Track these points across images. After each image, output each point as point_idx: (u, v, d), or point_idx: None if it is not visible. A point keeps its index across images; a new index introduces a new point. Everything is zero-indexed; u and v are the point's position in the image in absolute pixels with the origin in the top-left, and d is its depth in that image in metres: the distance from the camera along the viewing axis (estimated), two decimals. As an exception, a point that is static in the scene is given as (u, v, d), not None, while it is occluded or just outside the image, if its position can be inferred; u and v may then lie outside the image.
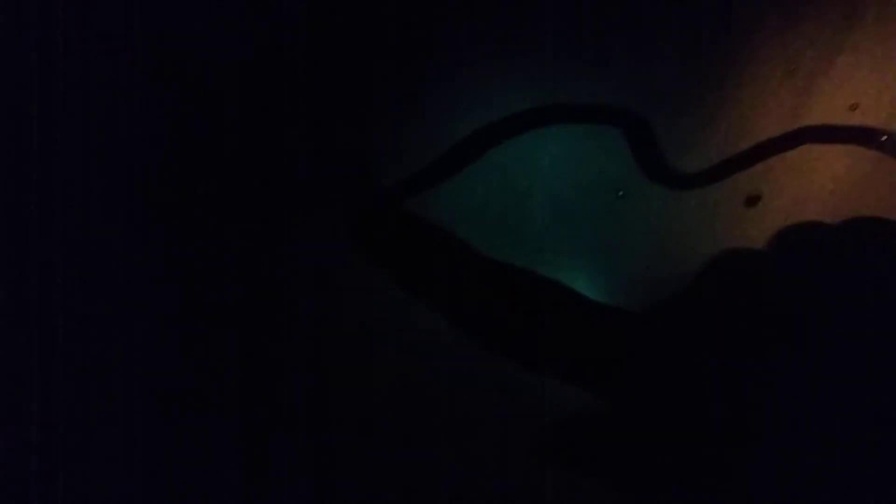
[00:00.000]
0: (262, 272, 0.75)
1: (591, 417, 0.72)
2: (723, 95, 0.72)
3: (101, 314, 0.76)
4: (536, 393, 0.72)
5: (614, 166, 0.73)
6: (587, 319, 0.71)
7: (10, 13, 0.74)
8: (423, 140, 0.71)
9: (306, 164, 0.73)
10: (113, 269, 0.76)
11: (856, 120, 0.73)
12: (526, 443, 0.74)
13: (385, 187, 0.72)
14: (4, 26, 0.74)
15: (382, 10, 0.69)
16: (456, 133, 0.71)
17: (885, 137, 0.73)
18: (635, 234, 0.75)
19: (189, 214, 0.74)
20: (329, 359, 0.76)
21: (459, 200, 0.73)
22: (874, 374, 0.67)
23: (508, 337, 0.72)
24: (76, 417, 0.76)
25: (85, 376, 0.76)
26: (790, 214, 0.75)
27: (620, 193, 0.74)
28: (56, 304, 0.75)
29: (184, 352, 0.76)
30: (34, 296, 0.75)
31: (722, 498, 0.70)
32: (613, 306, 0.71)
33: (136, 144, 0.74)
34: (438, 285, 0.72)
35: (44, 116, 0.74)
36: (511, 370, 0.71)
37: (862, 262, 0.69)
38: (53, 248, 0.75)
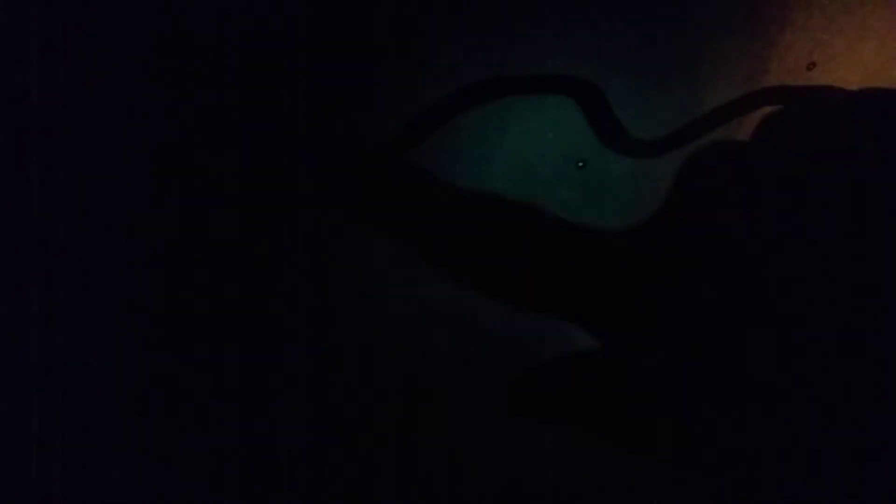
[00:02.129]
0: (264, 269, 0.76)
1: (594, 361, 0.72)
2: (678, 58, 0.72)
3: (101, 314, 0.76)
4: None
5: (571, 136, 0.72)
6: (594, 250, 0.71)
7: (11, 13, 0.74)
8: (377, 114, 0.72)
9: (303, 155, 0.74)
10: (113, 269, 0.76)
11: (814, 79, 0.72)
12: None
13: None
14: (4, 26, 0.74)
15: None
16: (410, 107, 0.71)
17: None
18: (599, 203, 0.74)
19: (189, 213, 0.75)
20: (330, 354, 0.77)
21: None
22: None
23: (515, 276, 0.72)
24: (76, 417, 0.76)
25: (85, 376, 0.76)
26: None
27: (580, 164, 0.73)
28: (56, 304, 0.75)
29: (184, 351, 0.76)
30: (34, 296, 0.75)
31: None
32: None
33: (136, 142, 0.75)
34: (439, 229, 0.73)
35: (44, 116, 0.74)
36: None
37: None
38: (53, 248, 0.75)
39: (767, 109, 0.73)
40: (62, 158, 0.76)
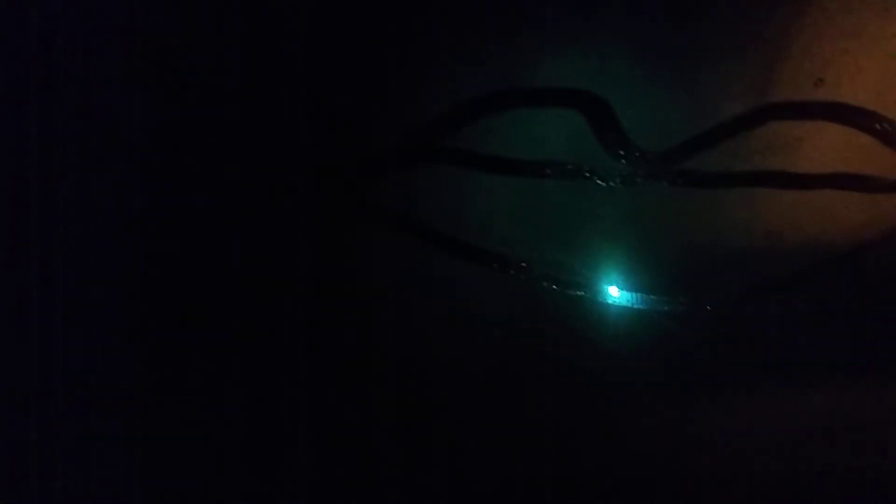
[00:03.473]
0: (263, 268, 0.77)
1: None
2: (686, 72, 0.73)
3: (101, 314, 0.77)
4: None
5: (580, 148, 0.74)
6: None
7: (10, 13, 0.75)
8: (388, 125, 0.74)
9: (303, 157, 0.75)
10: (112, 269, 0.77)
11: (821, 95, 0.73)
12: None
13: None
14: (4, 26, 0.75)
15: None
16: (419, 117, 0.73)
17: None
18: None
19: (189, 213, 0.76)
20: (330, 355, 0.77)
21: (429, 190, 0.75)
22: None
23: None
24: (76, 417, 0.77)
25: (84, 376, 0.77)
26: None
27: (587, 174, 0.74)
28: (56, 304, 0.76)
29: (184, 350, 0.77)
30: (34, 296, 0.76)
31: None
32: None
33: (136, 142, 0.76)
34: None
35: (44, 116, 0.75)
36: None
37: None
38: (53, 248, 0.76)
39: (775, 124, 0.74)
40: (62, 159, 0.76)
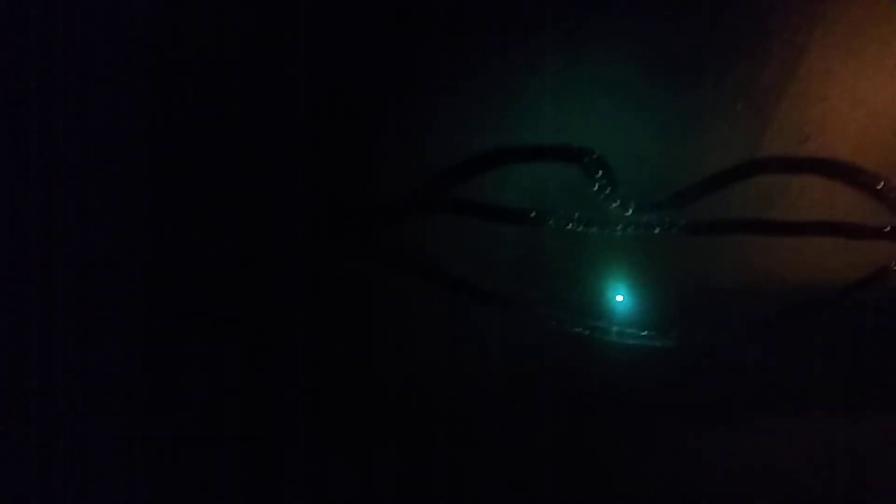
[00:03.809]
0: (263, 270, 0.80)
1: None
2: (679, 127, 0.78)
3: (101, 314, 0.79)
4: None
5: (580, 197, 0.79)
6: None
7: (10, 13, 0.76)
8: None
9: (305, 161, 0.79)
10: (112, 270, 0.78)
11: (807, 151, 0.78)
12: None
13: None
14: (4, 26, 0.76)
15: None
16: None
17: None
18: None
19: (189, 214, 0.79)
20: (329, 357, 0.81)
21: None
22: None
23: None
24: (76, 417, 0.78)
25: (85, 377, 0.78)
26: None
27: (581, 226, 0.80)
28: (56, 304, 0.77)
29: (184, 351, 0.79)
30: (34, 296, 0.77)
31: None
32: None
33: (136, 143, 0.78)
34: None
35: (44, 116, 0.76)
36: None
37: None
38: (53, 248, 0.77)
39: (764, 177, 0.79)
40: (62, 160, 0.77)
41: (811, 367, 0.80)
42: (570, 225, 0.79)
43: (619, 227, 0.79)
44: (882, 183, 0.78)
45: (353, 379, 0.81)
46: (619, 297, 0.79)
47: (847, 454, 0.80)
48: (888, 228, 0.79)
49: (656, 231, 0.79)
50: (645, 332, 0.80)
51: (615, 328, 0.80)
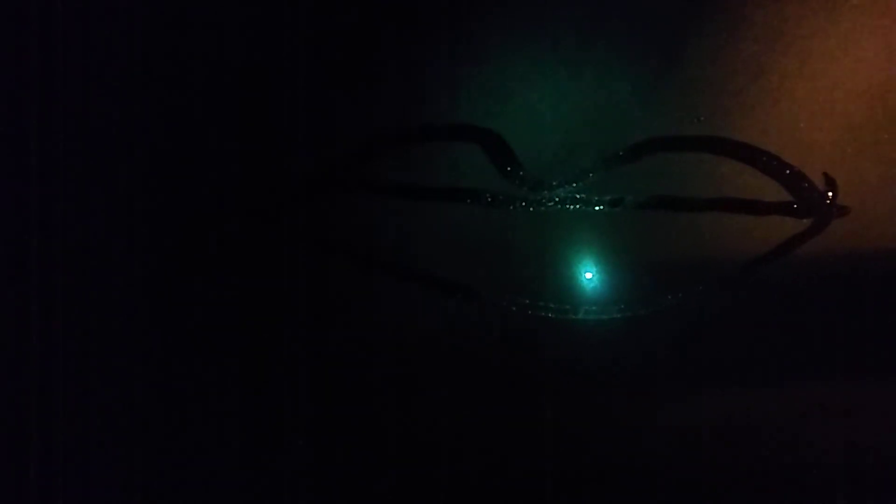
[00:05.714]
0: (262, 270, 0.82)
1: None
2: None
3: (101, 314, 0.80)
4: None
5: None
6: None
7: (10, 13, 0.77)
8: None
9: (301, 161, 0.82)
10: (112, 270, 0.80)
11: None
12: None
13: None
14: (4, 26, 0.77)
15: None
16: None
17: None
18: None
19: (189, 214, 0.81)
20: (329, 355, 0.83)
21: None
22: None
23: None
24: (76, 417, 0.79)
25: (84, 376, 0.79)
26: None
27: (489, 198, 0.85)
28: (56, 304, 0.78)
29: (184, 350, 0.81)
30: (34, 296, 0.77)
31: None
32: None
33: (136, 143, 0.79)
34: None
35: (44, 116, 0.77)
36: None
37: None
38: (53, 248, 0.78)
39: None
40: (63, 159, 0.78)
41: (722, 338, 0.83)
42: (481, 202, 0.84)
43: (522, 205, 0.83)
44: (788, 169, 0.81)
45: (272, 361, 0.83)
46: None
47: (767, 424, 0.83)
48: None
49: (562, 208, 0.83)
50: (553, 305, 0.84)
51: (525, 301, 0.84)
